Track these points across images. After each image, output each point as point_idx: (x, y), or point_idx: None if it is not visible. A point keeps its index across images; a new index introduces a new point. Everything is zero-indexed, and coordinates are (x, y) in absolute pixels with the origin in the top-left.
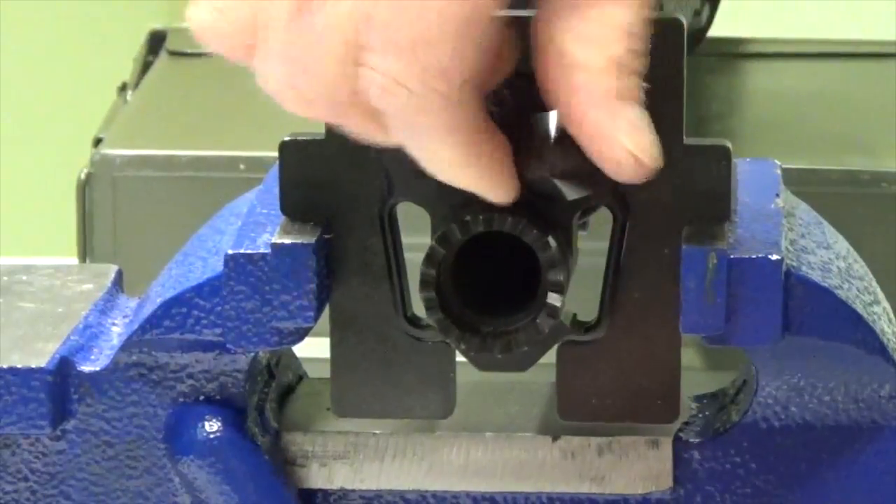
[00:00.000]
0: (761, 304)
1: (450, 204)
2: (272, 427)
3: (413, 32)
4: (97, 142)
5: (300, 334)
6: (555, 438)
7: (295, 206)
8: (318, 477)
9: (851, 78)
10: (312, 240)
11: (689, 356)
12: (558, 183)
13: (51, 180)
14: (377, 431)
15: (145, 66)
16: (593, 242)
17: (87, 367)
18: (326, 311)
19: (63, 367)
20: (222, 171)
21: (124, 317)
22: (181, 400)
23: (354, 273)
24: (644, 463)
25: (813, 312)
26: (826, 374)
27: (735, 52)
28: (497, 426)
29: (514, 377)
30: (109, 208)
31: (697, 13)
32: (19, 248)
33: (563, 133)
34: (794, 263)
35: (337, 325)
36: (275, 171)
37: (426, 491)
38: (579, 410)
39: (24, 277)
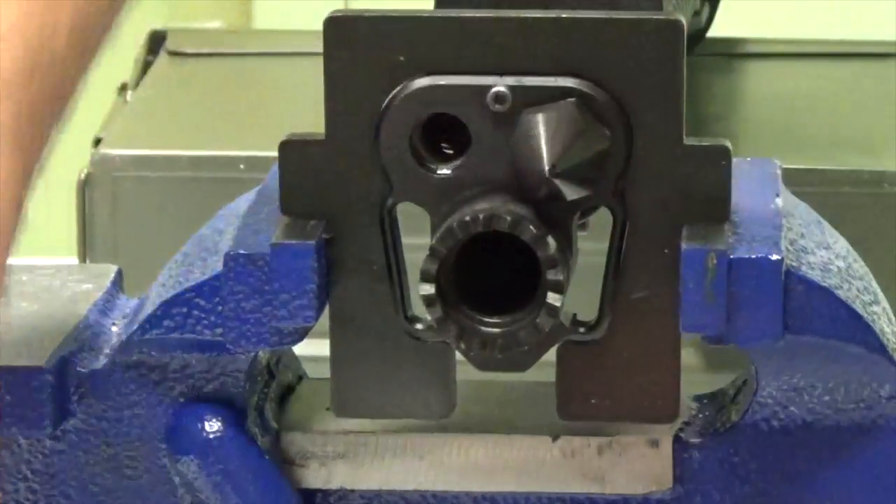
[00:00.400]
0: (761, 304)
1: (450, 204)
2: (272, 427)
3: None
4: (97, 142)
5: (300, 334)
6: (555, 438)
7: (295, 206)
8: (317, 477)
9: (851, 78)
10: (312, 240)
11: (689, 356)
12: (558, 183)
13: (51, 180)
14: (377, 431)
15: (145, 66)
16: (593, 242)
17: (86, 367)
18: (326, 311)
19: (63, 367)
20: (222, 171)
21: (124, 317)
22: (181, 400)
23: (354, 273)
24: (644, 463)
25: (813, 312)
26: (826, 374)
27: (735, 52)
28: (497, 426)
29: (513, 377)
30: (109, 208)
31: (697, 13)
32: (19, 248)
33: (560, 132)
34: (794, 263)
35: (337, 325)
36: (275, 170)
37: (426, 491)
38: (579, 410)
39: (24, 277)
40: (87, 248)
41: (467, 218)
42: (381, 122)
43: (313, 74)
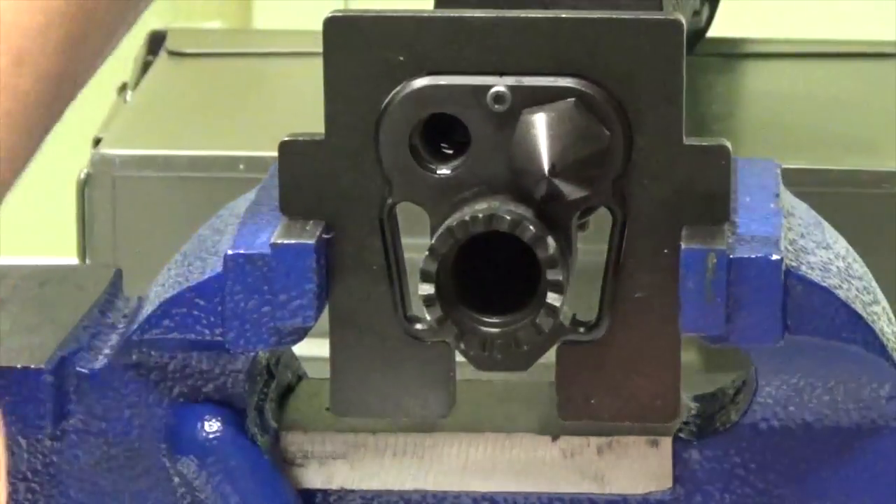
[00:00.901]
0: (761, 304)
1: (450, 204)
2: (272, 427)
3: None
4: (97, 142)
5: (300, 334)
6: (555, 438)
7: (295, 206)
8: (317, 477)
9: (851, 78)
10: (312, 240)
11: (690, 356)
12: (558, 183)
13: (51, 180)
14: (377, 431)
15: (145, 66)
16: (593, 243)
17: (86, 367)
18: (326, 311)
19: (63, 367)
20: (222, 171)
21: (124, 317)
22: (181, 400)
23: (354, 273)
24: (644, 463)
25: (813, 312)
26: (826, 374)
27: (735, 52)
28: (497, 426)
29: (513, 377)
30: (109, 208)
31: (697, 13)
32: (19, 248)
33: (559, 132)
34: (794, 263)
35: (337, 325)
36: (275, 170)
37: (426, 491)
38: (579, 410)
39: (25, 277)
40: (86, 248)
41: (467, 218)
42: (381, 122)
43: (313, 74)
